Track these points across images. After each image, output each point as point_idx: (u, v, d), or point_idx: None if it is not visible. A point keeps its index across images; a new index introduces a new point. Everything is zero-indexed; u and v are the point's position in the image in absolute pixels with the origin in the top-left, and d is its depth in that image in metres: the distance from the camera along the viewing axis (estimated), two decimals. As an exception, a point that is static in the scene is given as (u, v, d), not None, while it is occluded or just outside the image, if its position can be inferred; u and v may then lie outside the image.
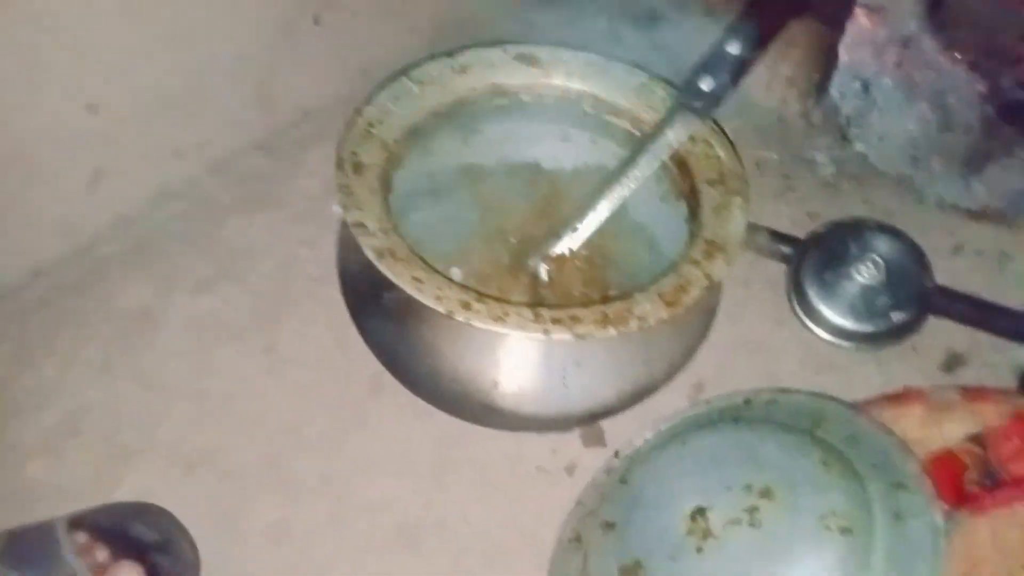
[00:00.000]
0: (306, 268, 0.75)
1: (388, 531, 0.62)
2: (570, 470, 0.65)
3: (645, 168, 0.58)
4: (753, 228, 0.79)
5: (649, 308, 0.47)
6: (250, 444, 0.66)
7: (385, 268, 0.48)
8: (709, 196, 0.55)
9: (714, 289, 0.57)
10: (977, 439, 0.55)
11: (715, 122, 0.64)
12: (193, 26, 0.72)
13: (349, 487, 0.64)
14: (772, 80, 0.93)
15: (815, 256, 0.74)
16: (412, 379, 0.58)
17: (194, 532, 0.59)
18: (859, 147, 0.91)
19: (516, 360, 0.51)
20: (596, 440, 0.67)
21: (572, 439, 0.67)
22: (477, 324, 0.46)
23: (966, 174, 0.88)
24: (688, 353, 0.55)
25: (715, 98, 0.59)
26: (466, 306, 0.46)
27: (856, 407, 0.57)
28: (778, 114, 0.93)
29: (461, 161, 0.64)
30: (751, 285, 0.78)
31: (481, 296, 0.47)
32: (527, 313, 0.47)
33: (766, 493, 0.49)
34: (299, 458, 0.65)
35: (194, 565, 0.57)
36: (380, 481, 0.64)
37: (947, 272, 0.78)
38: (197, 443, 0.65)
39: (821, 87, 0.93)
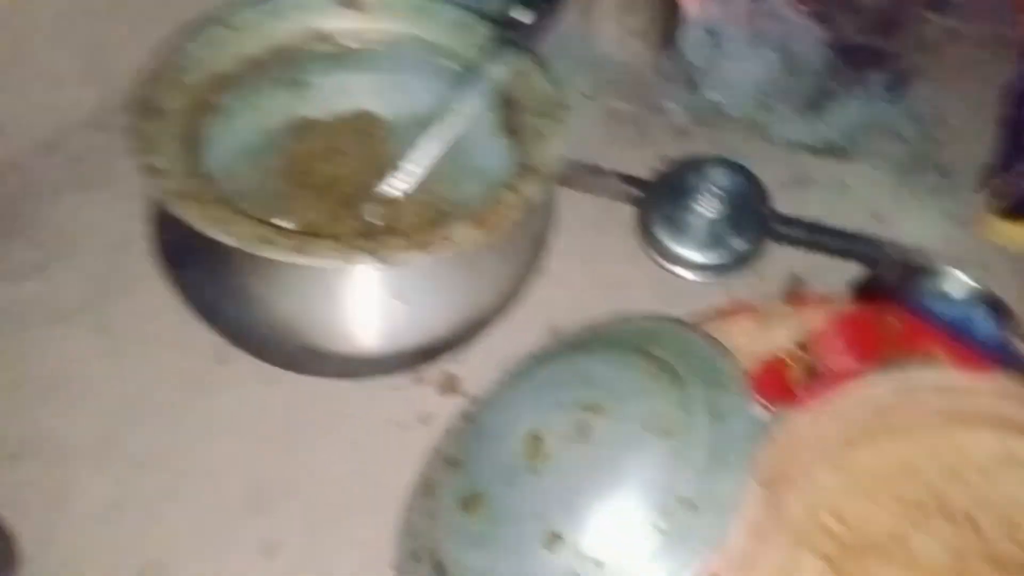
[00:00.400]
0: (141, 246, 0.72)
1: (232, 496, 0.60)
2: (426, 420, 0.64)
3: (469, 105, 0.58)
4: (604, 173, 0.81)
5: (460, 231, 0.47)
6: (80, 427, 0.62)
7: (179, 209, 0.45)
8: (533, 127, 0.55)
9: (540, 216, 0.57)
10: (802, 344, 0.57)
11: (536, 55, 0.64)
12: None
13: (190, 457, 0.61)
14: (621, 32, 0.94)
15: (660, 195, 0.76)
16: (233, 331, 0.56)
17: (19, 524, 0.56)
18: (709, 94, 0.93)
19: (330, 297, 0.50)
20: (451, 388, 0.67)
21: (427, 390, 0.66)
22: (277, 257, 0.44)
23: (809, 114, 0.91)
24: (517, 283, 0.55)
25: (534, 30, 0.60)
26: (266, 240, 0.45)
27: (688, 324, 0.58)
28: (629, 66, 0.95)
29: (290, 113, 0.62)
30: (604, 228, 0.79)
31: (283, 231, 0.46)
32: (333, 243, 0.46)
33: (595, 408, 0.49)
34: (136, 434, 0.62)
35: (9, 557, 0.53)
36: (224, 447, 0.62)
37: (791, 203, 0.81)
38: (20, 433, 0.61)
39: (670, 39, 0.95)
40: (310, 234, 0.46)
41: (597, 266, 0.76)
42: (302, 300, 0.49)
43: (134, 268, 0.71)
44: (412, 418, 0.64)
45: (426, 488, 0.57)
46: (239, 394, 0.65)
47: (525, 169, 0.51)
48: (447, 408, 0.64)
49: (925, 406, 0.52)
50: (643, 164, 0.84)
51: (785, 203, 0.79)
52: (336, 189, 0.61)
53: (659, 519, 0.44)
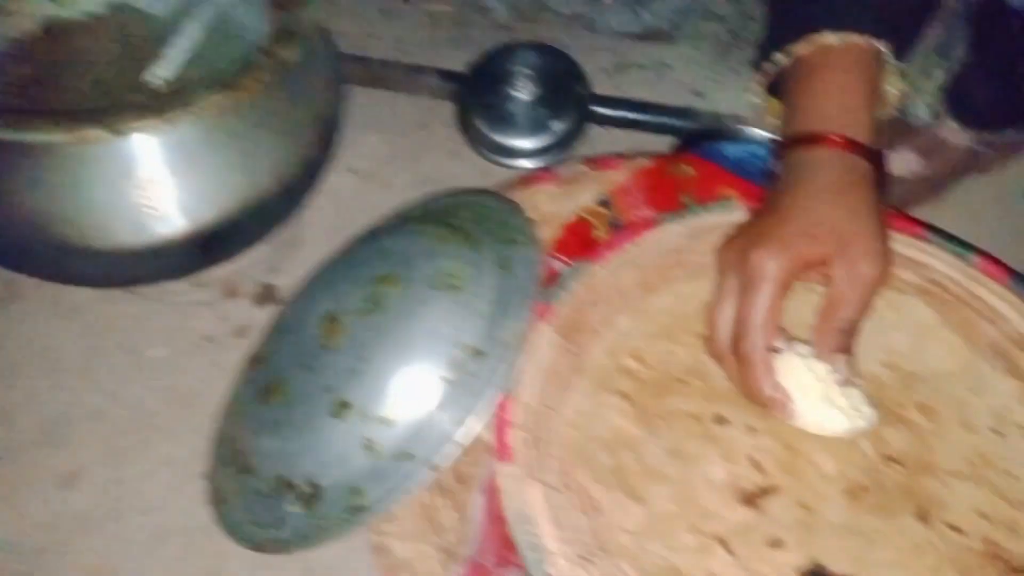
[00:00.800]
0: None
1: (27, 432, 0.56)
2: (241, 332, 0.62)
3: None
4: (422, 71, 0.79)
5: (204, 96, 0.44)
6: None
7: None
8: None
9: (323, 96, 0.54)
10: (603, 202, 0.57)
11: None
12: None
13: (-19, 399, 0.57)
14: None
15: (477, 85, 0.74)
16: None
17: None
18: (511, -10, 0.92)
19: (75, 182, 0.46)
20: (268, 299, 0.64)
21: (242, 303, 0.64)
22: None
23: (633, 3, 0.91)
24: (305, 166, 0.52)
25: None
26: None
27: (489, 191, 0.57)
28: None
29: (41, 15, 0.57)
30: (429, 127, 0.78)
31: (12, 110, 0.42)
32: (58, 118, 0.42)
33: (387, 278, 0.48)
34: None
35: None
36: (19, 385, 0.58)
37: (615, 88, 0.81)
38: None
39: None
40: (38, 111, 0.42)
41: (421, 165, 0.75)
42: (47, 190, 0.45)
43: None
44: (226, 332, 0.62)
45: (233, 394, 0.55)
46: (31, 330, 0.60)
47: (279, 32, 0.48)
48: (264, 319, 0.61)
49: (717, 245, 0.54)
50: (465, 64, 0.83)
51: (608, 88, 0.79)
52: (97, 90, 0.56)
53: (445, 370, 0.43)
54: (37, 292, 0.60)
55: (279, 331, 0.53)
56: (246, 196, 0.49)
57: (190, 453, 0.55)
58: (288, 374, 0.48)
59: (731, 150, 0.57)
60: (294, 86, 0.50)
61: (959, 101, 0.68)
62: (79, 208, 0.46)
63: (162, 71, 0.51)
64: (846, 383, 0.45)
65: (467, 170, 0.74)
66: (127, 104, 0.43)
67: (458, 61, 0.84)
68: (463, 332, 0.44)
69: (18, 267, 0.54)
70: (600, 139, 0.77)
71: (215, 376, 0.58)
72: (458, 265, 0.47)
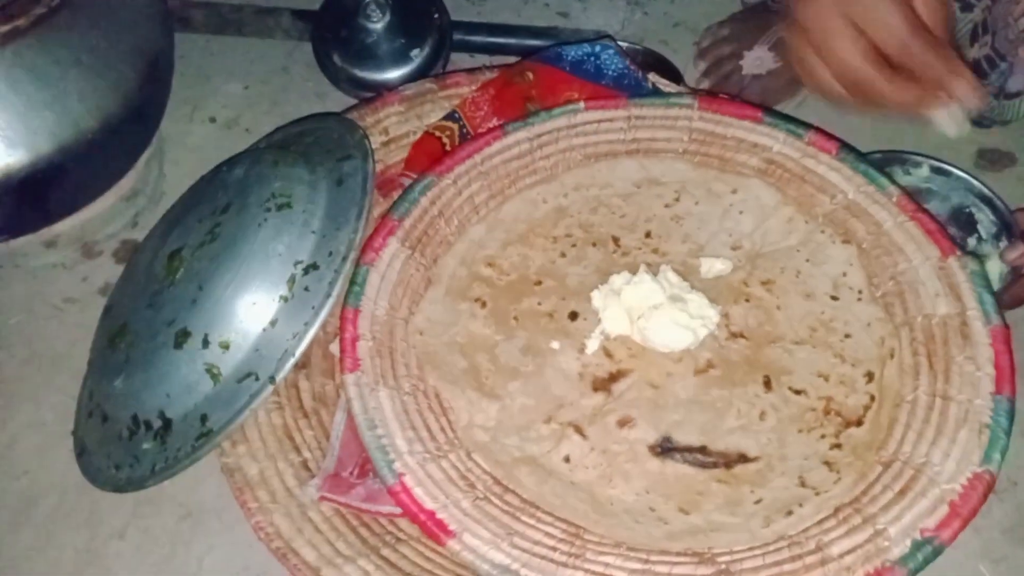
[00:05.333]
0: None
1: None
2: (104, 291, 0.60)
3: None
4: (275, 13, 0.76)
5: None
6: None
7: None
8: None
9: (138, 29, 0.51)
10: (452, 116, 0.57)
11: None
12: None
13: None
14: None
15: (330, 21, 0.72)
16: None
17: None
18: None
19: None
20: (130, 255, 0.62)
21: (104, 261, 0.62)
22: None
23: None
24: (125, 101, 0.50)
25: None
26: None
27: (334, 115, 0.57)
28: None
29: None
30: (290, 70, 0.75)
31: None
32: None
33: (224, 209, 0.47)
34: None
35: None
36: None
37: (478, 15, 0.79)
38: None
39: None
40: None
41: (284, 109, 0.73)
42: None
43: None
44: (89, 292, 0.60)
45: (91, 349, 0.54)
46: None
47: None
48: (124, 274, 0.60)
49: (566, 148, 0.54)
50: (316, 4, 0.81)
51: (473, 15, 0.78)
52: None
53: (281, 288, 0.43)
54: None
55: (126, 278, 0.52)
56: (61, 137, 0.47)
57: (57, 415, 0.53)
58: (132, 316, 0.47)
59: (571, 53, 0.57)
60: (99, 17, 0.48)
61: None
62: None
63: None
64: (686, 294, 0.46)
65: (331, 108, 0.73)
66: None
67: (314, 2, 0.82)
68: (296, 249, 0.44)
69: None
70: (465, 65, 0.76)
71: (80, 337, 0.56)
72: (291, 185, 0.46)
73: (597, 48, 0.57)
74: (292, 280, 0.43)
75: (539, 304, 0.49)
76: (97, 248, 0.62)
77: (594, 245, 0.51)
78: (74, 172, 0.49)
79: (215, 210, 0.48)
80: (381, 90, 0.72)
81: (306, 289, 0.43)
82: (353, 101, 0.73)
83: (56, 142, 0.47)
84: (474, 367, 0.46)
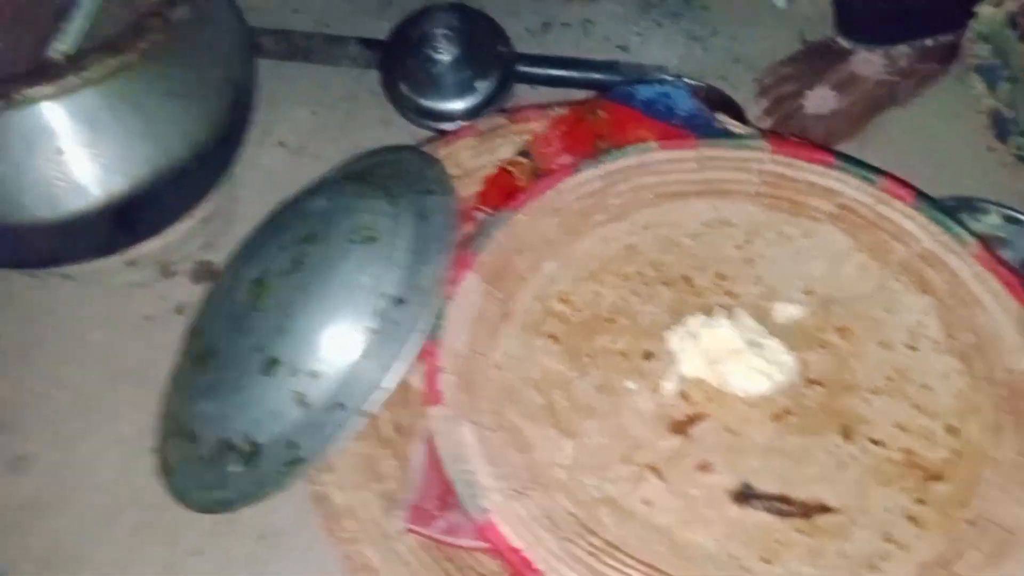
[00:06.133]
0: None
1: (-31, 421, 0.56)
2: (181, 310, 0.62)
3: None
4: (342, 41, 0.78)
5: (94, 59, 0.44)
6: None
7: None
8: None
9: (229, 61, 0.53)
10: (524, 152, 0.58)
11: None
12: None
13: (-81, 394, 0.57)
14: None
15: (398, 50, 0.74)
16: None
17: None
18: (453, -44, 0.92)
19: None
20: (206, 274, 0.64)
21: (180, 281, 0.64)
22: None
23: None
24: (215, 131, 0.52)
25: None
26: None
27: (409, 147, 0.58)
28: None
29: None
30: (357, 97, 0.77)
31: None
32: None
33: (308, 238, 0.49)
34: None
35: None
36: (-45, 377, 0.58)
37: (540, 47, 0.81)
38: None
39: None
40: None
41: (351, 135, 0.75)
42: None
43: None
44: (166, 311, 0.62)
45: (174, 367, 0.56)
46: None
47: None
48: (202, 295, 0.62)
49: (637, 186, 0.55)
50: (383, 33, 0.83)
51: (534, 48, 0.80)
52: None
53: (369, 320, 0.44)
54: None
55: (211, 302, 0.54)
56: (157, 164, 0.49)
57: (138, 431, 0.55)
58: (220, 340, 0.49)
59: (642, 92, 0.59)
60: (194, 50, 0.50)
61: (845, 12, 0.70)
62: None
63: (63, 45, 0.50)
64: (764, 339, 0.47)
65: (397, 137, 0.74)
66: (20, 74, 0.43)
67: (382, 29, 0.83)
68: (383, 282, 0.45)
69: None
70: (529, 98, 0.77)
71: (158, 354, 0.58)
72: (375, 218, 0.48)
73: (668, 88, 0.58)
74: (379, 313, 0.44)
75: (612, 342, 0.50)
76: (173, 268, 0.63)
77: (666, 284, 0.52)
78: (164, 197, 0.51)
79: (298, 239, 0.50)
80: (445, 119, 0.74)
81: (394, 322, 0.44)
82: (418, 129, 0.75)
83: (151, 170, 0.49)
84: (550, 404, 0.47)
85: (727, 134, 0.57)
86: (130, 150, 0.48)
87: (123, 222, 0.50)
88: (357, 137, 0.75)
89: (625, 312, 0.51)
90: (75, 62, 0.43)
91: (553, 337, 0.50)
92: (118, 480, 0.54)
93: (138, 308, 0.62)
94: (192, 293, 0.63)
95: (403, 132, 0.75)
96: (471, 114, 0.74)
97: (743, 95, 0.74)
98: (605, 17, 0.86)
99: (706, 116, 0.58)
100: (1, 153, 0.45)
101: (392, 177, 0.51)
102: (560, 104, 0.61)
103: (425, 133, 0.74)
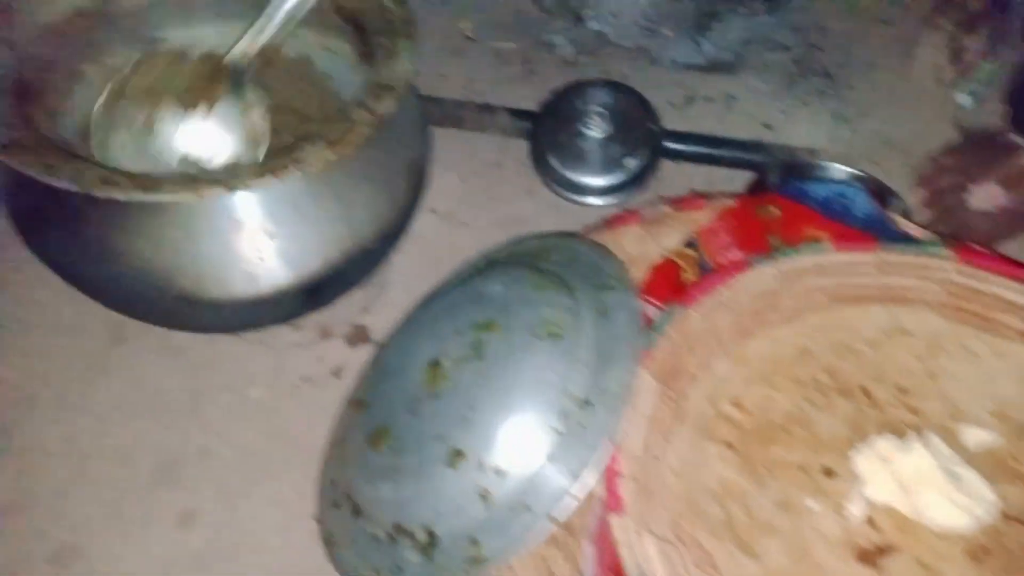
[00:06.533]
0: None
1: (143, 472, 0.58)
2: (337, 373, 0.64)
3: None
4: (493, 110, 0.80)
5: (312, 152, 0.46)
6: (-31, 425, 0.60)
7: (11, 159, 0.43)
8: (381, 47, 0.53)
9: (414, 144, 0.55)
10: (690, 243, 0.58)
11: None
12: None
13: (96, 439, 0.60)
14: (500, -28, 0.93)
15: (549, 123, 0.76)
16: (98, 290, 0.53)
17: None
18: (594, 25, 0.93)
19: (192, 238, 0.48)
20: (361, 339, 0.66)
21: (337, 343, 0.65)
22: (119, 196, 0.42)
23: (695, 35, 0.92)
24: (399, 213, 0.54)
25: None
26: (107, 181, 0.43)
27: (577, 234, 0.58)
28: (513, 5, 0.94)
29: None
30: (503, 165, 0.79)
31: (131, 173, 0.44)
32: (179, 178, 0.44)
33: (487, 326, 0.49)
34: (36, 425, 0.60)
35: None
36: (131, 425, 0.60)
37: (683, 121, 0.82)
38: (-88, 434, 0.59)
39: (549, -27, 0.95)
40: (156, 173, 0.44)
41: (498, 204, 0.76)
42: (163, 246, 0.47)
43: (16, 259, 0.67)
44: (323, 373, 0.64)
45: (338, 436, 0.57)
46: (141, 371, 0.63)
47: (376, 87, 0.50)
48: (358, 359, 0.63)
49: (812, 288, 0.54)
50: (534, 100, 0.84)
51: (676, 122, 0.80)
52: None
53: (555, 420, 0.44)
54: (143, 334, 0.63)
55: (380, 375, 0.55)
56: (347, 246, 0.50)
57: (297, 494, 0.56)
58: (395, 420, 0.50)
59: (817, 189, 0.58)
60: (388, 136, 0.52)
61: (1022, 109, 0.67)
62: (193, 261, 0.48)
63: (241, 50, 0.52)
64: (961, 468, 0.45)
65: (542, 208, 0.76)
66: (243, 167, 0.45)
67: (526, 97, 0.85)
68: (569, 381, 0.45)
69: (130, 313, 0.56)
70: (672, 173, 0.77)
71: (315, 416, 0.60)
72: (558, 313, 0.48)
73: (846, 188, 0.57)
74: (566, 414, 0.44)
75: (789, 454, 0.48)
76: (331, 331, 0.65)
77: (842, 394, 0.51)
78: (347, 274, 0.53)
79: (475, 325, 0.50)
80: (592, 193, 0.75)
81: (580, 425, 0.44)
82: (562, 201, 0.76)
83: (341, 251, 0.50)
84: (729, 518, 0.46)
85: (907, 239, 0.56)
86: (325, 233, 0.50)
87: (307, 297, 0.52)
88: (504, 206, 0.76)
89: (800, 421, 0.50)
90: (293, 154, 0.45)
91: (727, 444, 0.49)
92: (278, 543, 0.56)
93: (297, 368, 0.64)
94: (348, 356, 0.64)
95: (548, 202, 0.76)
96: (618, 189, 0.75)
97: (897, 182, 0.73)
98: (748, 93, 0.86)
99: (884, 219, 0.56)
100: (213, 234, 0.47)
101: (567, 267, 0.52)
102: (726, 194, 0.60)
103: (570, 205, 0.75)
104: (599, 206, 0.75)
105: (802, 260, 0.54)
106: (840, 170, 0.68)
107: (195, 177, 0.44)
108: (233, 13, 0.60)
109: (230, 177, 0.44)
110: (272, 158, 0.45)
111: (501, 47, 0.90)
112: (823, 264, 0.54)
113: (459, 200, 0.76)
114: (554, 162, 0.74)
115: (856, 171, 0.67)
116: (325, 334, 0.65)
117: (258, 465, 0.59)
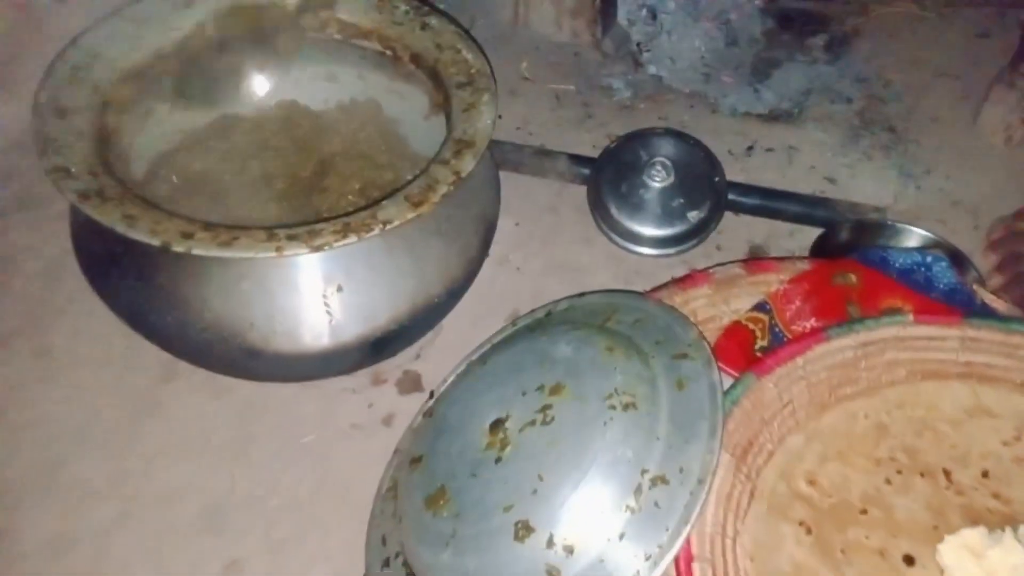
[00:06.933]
0: (75, 264, 0.68)
1: (190, 517, 0.57)
2: (388, 421, 0.62)
3: None
4: (552, 156, 0.79)
5: (394, 211, 0.45)
6: (24, 458, 0.59)
7: (91, 209, 0.43)
8: (459, 99, 0.53)
9: (485, 197, 0.55)
10: (762, 307, 0.56)
11: (460, 26, 0.61)
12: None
13: (143, 481, 0.58)
14: (559, 14, 0.93)
15: (610, 171, 0.74)
16: (169, 340, 0.53)
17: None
18: (652, 70, 0.93)
19: (265, 292, 0.47)
20: (413, 386, 0.64)
21: (388, 390, 0.64)
22: (199, 252, 0.41)
23: (754, 82, 0.91)
24: (468, 267, 0.52)
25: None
26: (187, 236, 0.42)
27: (646, 295, 0.57)
28: (571, 48, 0.94)
29: (216, 110, 0.59)
30: (559, 211, 0.78)
31: (209, 225, 0.43)
32: (259, 234, 0.43)
33: (556, 390, 0.48)
34: (82, 462, 0.59)
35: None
36: (178, 467, 0.59)
37: (742, 171, 0.80)
38: (-43, 466, 0.58)
39: (607, 16, 0.94)
40: (234, 227, 0.44)
41: (554, 250, 0.75)
42: (236, 299, 0.47)
43: (71, 289, 0.68)
44: (373, 420, 0.62)
45: (391, 492, 0.55)
46: (189, 411, 0.62)
47: (456, 143, 0.49)
48: (409, 407, 0.62)
49: (891, 361, 0.52)
50: (591, 143, 0.83)
51: (736, 171, 0.79)
52: (269, 185, 0.58)
53: (629, 498, 0.42)
54: (192, 371, 0.62)
55: (436, 432, 0.53)
56: (416, 301, 0.49)
57: (345, 548, 0.55)
58: (455, 483, 0.48)
59: (896, 257, 0.56)
60: (463, 192, 0.51)
61: None
62: (264, 315, 0.47)
63: None
64: None
65: (598, 256, 0.74)
66: (324, 225, 0.44)
67: (583, 141, 0.84)
68: (645, 457, 0.43)
69: (192, 360, 0.56)
70: (732, 225, 0.76)
71: (364, 466, 0.58)
72: (631, 382, 0.46)
73: (928, 258, 0.55)
74: (639, 490, 0.43)
75: (867, 537, 0.46)
76: (383, 377, 0.64)
77: (922, 476, 0.48)
78: (413, 330, 0.52)
79: (542, 387, 0.49)
80: (652, 244, 0.73)
81: (655, 504, 0.42)
82: (618, 249, 0.74)
83: (410, 306, 0.49)
84: (807, 605, 0.43)
85: (992, 314, 0.53)
86: (396, 288, 0.49)
87: (371, 351, 0.51)
88: (559, 252, 0.75)
89: (878, 503, 0.48)
90: (375, 213, 0.44)
91: (803, 525, 0.47)
92: (326, 599, 0.54)
93: (347, 415, 0.62)
94: (399, 404, 0.63)
95: (604, 250, 0.75)
96: (678, 241, 0.73)
97: (966, 245, 0.70)
98: (810, 145, 0.84)
99: (967, 292, 0.54)
100: (285, 289, 0.46)
101: (637, 330, 0.50)
102: (799, 258, 0.59)
103: (627, 255, 0.74)
104: (656, 256, 0.73)
105: (882, 332, 0.52)
106: (913, 232, 0.66)
107: (275, 233, 0.43)
108: (304, 55, 0.60)
109: (312, 235, 0.43)
110: (347, 219, 0.44)
111: (558, 89, 0.89)
112: (903, 337, 0.52)
113: (513, 244, 0.75)
114: (613, 210, 0.73)
115: (931, 235, 0.65)
116: (376, 380, 0.64)
117: (306, 515, 0.57)
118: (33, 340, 0.65)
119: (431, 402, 0.59)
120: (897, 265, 0.55)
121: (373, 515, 0.55)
